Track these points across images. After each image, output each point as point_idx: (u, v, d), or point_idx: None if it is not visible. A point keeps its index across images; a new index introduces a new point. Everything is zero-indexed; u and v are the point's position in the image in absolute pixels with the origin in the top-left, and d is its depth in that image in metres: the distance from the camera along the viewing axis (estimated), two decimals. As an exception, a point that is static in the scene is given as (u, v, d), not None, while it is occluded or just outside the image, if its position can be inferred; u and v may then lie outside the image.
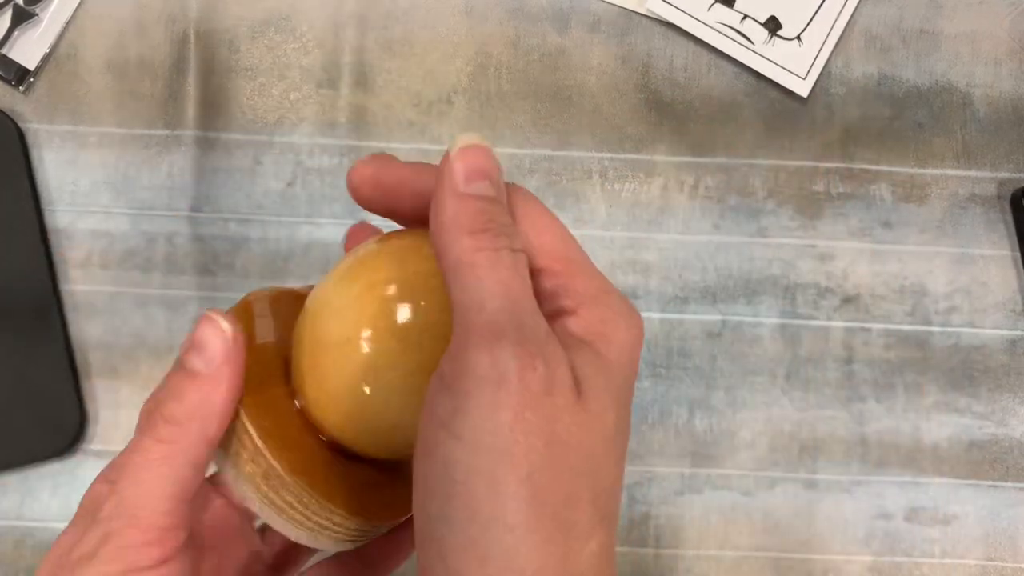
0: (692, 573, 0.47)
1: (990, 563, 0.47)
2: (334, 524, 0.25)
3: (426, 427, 0.22)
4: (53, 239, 0.47)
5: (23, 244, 0.47)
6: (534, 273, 0.24)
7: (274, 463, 0.24)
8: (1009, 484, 0.48)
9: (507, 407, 0.20)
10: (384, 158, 0.26)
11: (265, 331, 0.27)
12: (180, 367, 0.24)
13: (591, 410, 0.22)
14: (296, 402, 0.26)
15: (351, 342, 0.24)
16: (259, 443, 0.24)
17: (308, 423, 0.26)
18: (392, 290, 0.25)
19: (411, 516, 0.26)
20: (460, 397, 0.21)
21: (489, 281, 0.22)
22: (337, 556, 0.31)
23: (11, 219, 0.47)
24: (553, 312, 0.24)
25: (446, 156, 0.23)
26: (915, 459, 0.48)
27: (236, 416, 0.25)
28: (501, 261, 0.22)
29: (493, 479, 0.20)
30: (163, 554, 0.23)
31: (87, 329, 0.47)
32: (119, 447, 0.25)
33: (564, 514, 0.21)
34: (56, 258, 0.47)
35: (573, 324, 0.23)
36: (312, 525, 0.25)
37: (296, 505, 0.24)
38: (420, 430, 0.22)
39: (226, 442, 0.25)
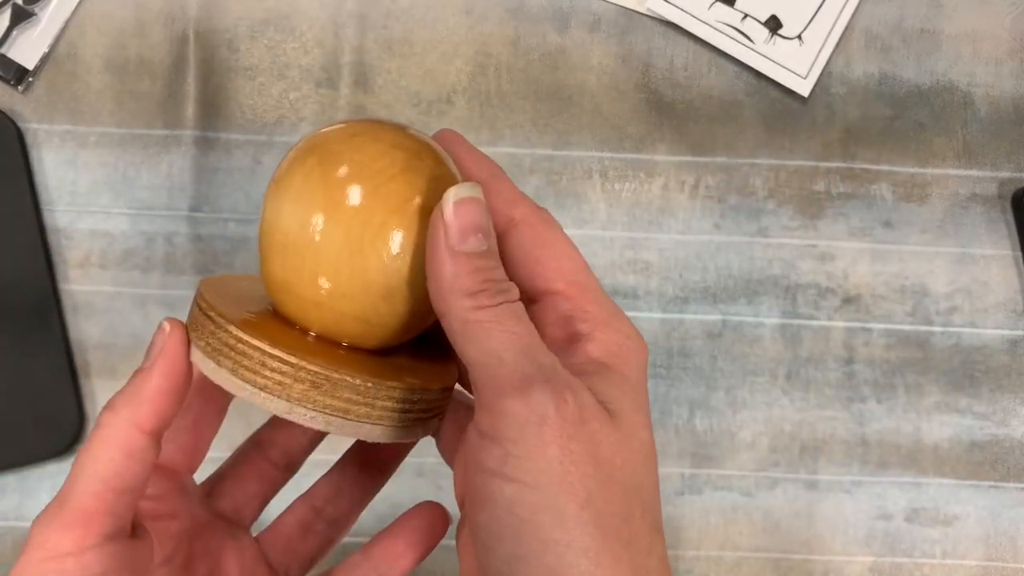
0: (692, 574, 0.47)
1: (991, 564, 0.47)
2: (277, 369, 0.24)
3: (476, 478, 0.23)
4: (52, 239, 0.47)
5: (22, 244, 0.47)
6: (552, 295, 0.26)
7: (239, 337, 0.25)
8: (1010, 485, 0.48)
9: (553, 443, 0.22)
10: (460, 136, 0.28)
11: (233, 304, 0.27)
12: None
13: (625, 429, 0.23)
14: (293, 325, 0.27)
15: (300, 229, 0.25)
16: (235, 330, 0.25)
17: (283, 321, 0.27)
18: (412, 208, 0.25)
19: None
20: (507, 444, 0.22)
21: (500, 335, 0.23)
22: (340, 470, 0.32)
23: (10, 219, 0.47)
24: (570, 335, 0.25)
25: (438, 211, 0.24)
26: (916, 460, 0.48)
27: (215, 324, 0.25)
28: (504, 314, 0.23)
29: (557, 510, 0.22)
30: (84, 540, 0.23)
31: (86, 329, 0.47)
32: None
33: (625, 531, 0.22)
34: (55, 258, 0.47)
35: (593, 348, 0.25)
36: (334, 403, 0.25)
37: (250, 353, 0.24)
38: (469, 483, 0.24)
39: (208, 340, 0.25)
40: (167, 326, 0.26)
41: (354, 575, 0.31)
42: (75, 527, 0.23)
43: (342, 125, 0.27)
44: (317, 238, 0.25)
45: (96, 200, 0.48)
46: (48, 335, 0.46)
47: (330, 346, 0.26)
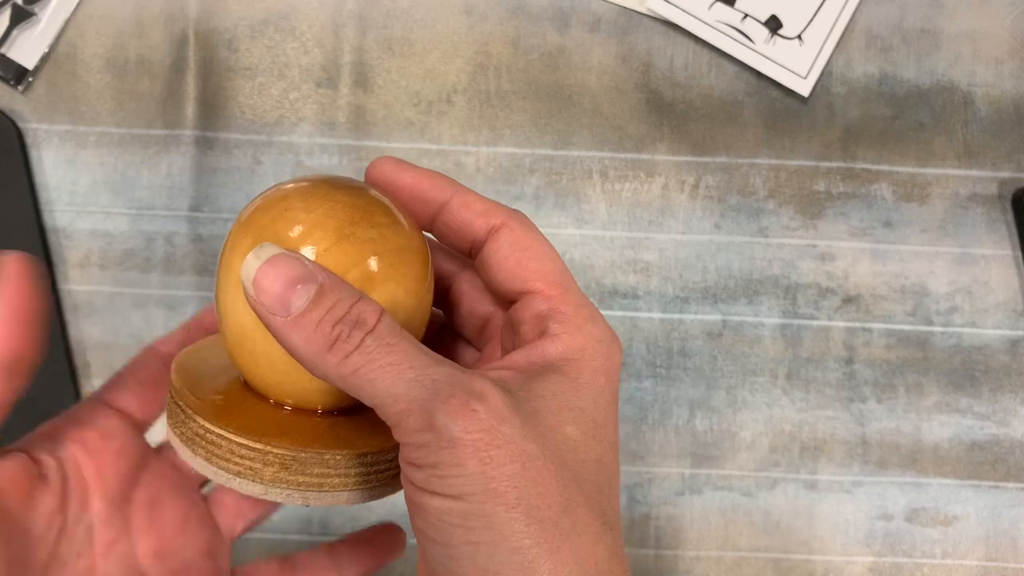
0: (692, 574, 0.47)
1: (991, 564, 0.47)
2: (246, 456, 0.25)
3: (408, 490, 0.23)
4: (52, 239, 0.47)
5: (22, 244, 0.46)
6: (531, 294, 0.26)
7: (180, 402, 0.25)
8: (1010, 485, 0.48)
9: (471, 459, 0.22)
10: (403, 162, 0.28)
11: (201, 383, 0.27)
12: None
13: (545, 423, 0.23)
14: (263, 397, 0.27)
15: (240, 302, 0.24)
16: (211, 426, 0.25)
17: (253, 392, 0.27)
18: (297, 242, 0.24)
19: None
20: (426, 468, 0.22)
21: (379, 375, 0.22)
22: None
23: (10, 219, 0.47)
24: (539, 332, 0.26)
25: (247, 293, 0.23)
26: (916, 460, 0.48)
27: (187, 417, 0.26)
28: (371, 350, 0.23)
29: (484, 515, 0.22)
30: None
31: (86, 329, 0.47)
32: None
33: (566, 522, 0.22)
34: (55, 258, 0.47)
35: (551, 348, 0.25)
36: (303, 481, 0.25)
37: (218, 442, 0.25)
38: (405, 493, 0.24)
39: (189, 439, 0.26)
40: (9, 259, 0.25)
41: (316, 565, 0.33)
42: None
43: (278, 195, 0.26)
44: (257, 322, 0.24)
45: (96, 200, 0.48)
46: (48, 335, 0.46)
47: (302, 416, 0.26)
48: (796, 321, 0.48)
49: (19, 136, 0.47)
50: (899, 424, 0.48)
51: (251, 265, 0.23)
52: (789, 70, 0.49)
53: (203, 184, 0.48)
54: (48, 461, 0.27)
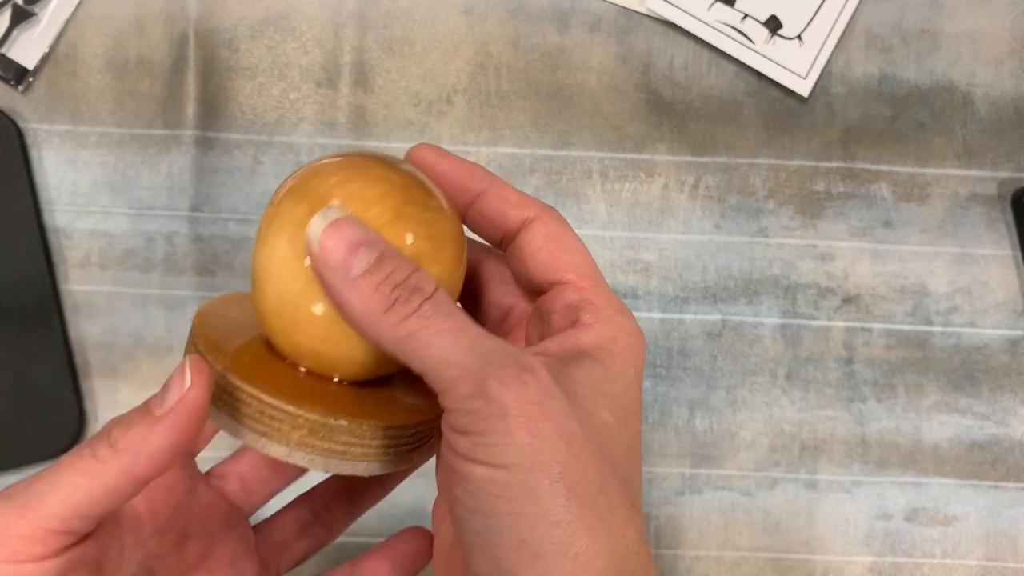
0: (692, 574, 0.47)
1: (991, 564, 0.47)
2: (276, 417, 0.25)
3: (450, 458, 0.23)
4: (52, 239, 0.47)
5: (22, 244, 0.47)
6: (563, 284, 0.27)
7: (250, 393, 0.25)
8: (1010, 485, 0.48)
9: (520, 428, 0.22)
10: (442, 150, 0.28)
11: (228, 334, 0.27)
12: (147, 404, 0.24)
13: (583, 407, 0.24)
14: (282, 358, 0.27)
15: (288, 265, 0.25)
16: (241, 384, 0.25)
17: (275, 354, 0.27)
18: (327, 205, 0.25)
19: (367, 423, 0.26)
20: (474, 436, 0.22)
21: (435, 340, 0.23)
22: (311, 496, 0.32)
23: (10, 219, 0.47)
24: (571, 321, 0.26)
25: (312, 252, 0.24)
26: (916, 459, 0.48)
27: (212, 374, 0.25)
28: (429, 315, 0.23)
29: (529, 487, 0.22)
30: (43, 552, 0.23)
31: (86, 329, 0.47)
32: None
33: (602, 501, 0.23)
34: (55, 258, 0.47)
35: (585, 336, 0.26)
36: (258, 416, 0.25)
37: (248, 401, 0.25)
38: (444, 461, 0.24)
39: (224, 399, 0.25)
40: (188, 372, 0.24)
41: None
42: (37, 544, 0.23)
43: (332, 166, 0.26)
44: (304, 286, 0.25)
45: (96, 200, 0.48)
46: (48, 335, 0.46)
47: (322, 382, 0.26)
48: (796, 321, 0.48)
49: (19, 136, 0.47)
50: (899, 424, 0.48)
51: (317, 225, 0.24)
52: (789, 70, 0.49)
53: (203, 184, 0.48)
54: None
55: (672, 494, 0.47)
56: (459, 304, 0.28)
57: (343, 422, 0.25)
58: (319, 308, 0.25)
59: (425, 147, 0.28)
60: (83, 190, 0.48)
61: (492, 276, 0.29)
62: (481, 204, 0.28)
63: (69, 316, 0.47)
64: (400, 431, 0.26)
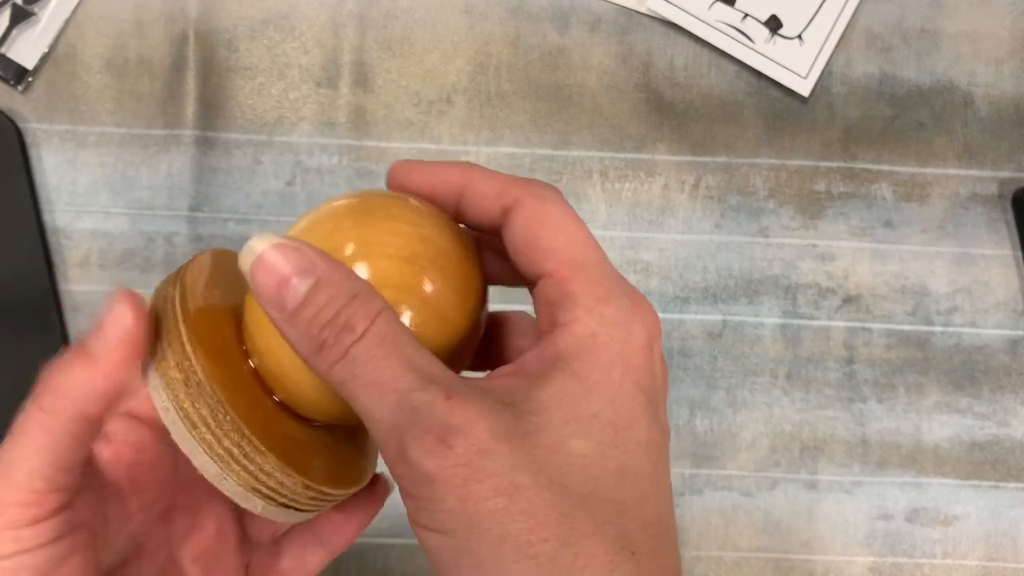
0: (692, 574, 0.47)
1: (991, 564, 0.47)
2: (245, 456, 0.23)
3: (408, 521, 0.22)
4: (52, 239, 0.47)
5: (22, 244, 0.46)
6: (545, 277, 0.24)
7: (196, 365, 0.23)
8: (1010, 485, 0.48)
9: (449, 495, 0.20)
10: (411, 163, 0.26)
11: (212, 293, 0.26)
12: (81, 343, 0.24)
13: (547, 443, 0.21)
14: (249, 360, 0.25)
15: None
16: (187, 345, 0.23)
17: (255, 375, 0.25)
18: (345, 255, 0.23)
19: (341, 497, 0.26)
20: (409, 499, 0.21)
21: (361, 393, 0.21)
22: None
23: (10, 219, 0.47)
24: (551, 323, 0.23)
25: (250, 285, 0.22)
26: (916, 460, 0.48)
27: (175, 324, 0.24)
28: (357, 363, 0.21)
29: (471, 553, 0.20)
30: (39, 514, 0.23)
31: (86, 329, 0.47)
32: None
33: (566, 555, 0.20)
34: (55, 258, 0.47)
35: (560, 341, 0.23)
36: (221, 451, 0.23)
37: (209, 421, 0.23)
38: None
39: (155, 348, 0.24)
40: (127, 312, 0.23)
41: (298, 542, 0.31)
42: (30, 507, 0.23)
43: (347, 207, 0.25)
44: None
45: (96, 200, 0.48)
46: (48, 335, 0.46)
47: (284, 414, 0.25)
48: (796, 321, 0.48)
49: (19, 136, 0.47)
50: (899, 424, 0.48)
51: (246, 258, 0.22)
52: (789, 70, 0.49)
53: (203, 184, 0.48)
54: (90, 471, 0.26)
55: (672, 495, 0.47)
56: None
57: (211, 390, 0.23)
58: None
59: (396, 165, 0.26)
60: (83, 190, 0.48)
61: (505, 272, 0.27)
62: (463, 206, 0.25)
63: (69, 316, 0.47)
64: (255, 456, 0.24)
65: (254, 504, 0.24)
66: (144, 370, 0.24)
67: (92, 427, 0.24)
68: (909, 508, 0.48)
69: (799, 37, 0.49)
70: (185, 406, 0.23)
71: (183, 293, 0.24)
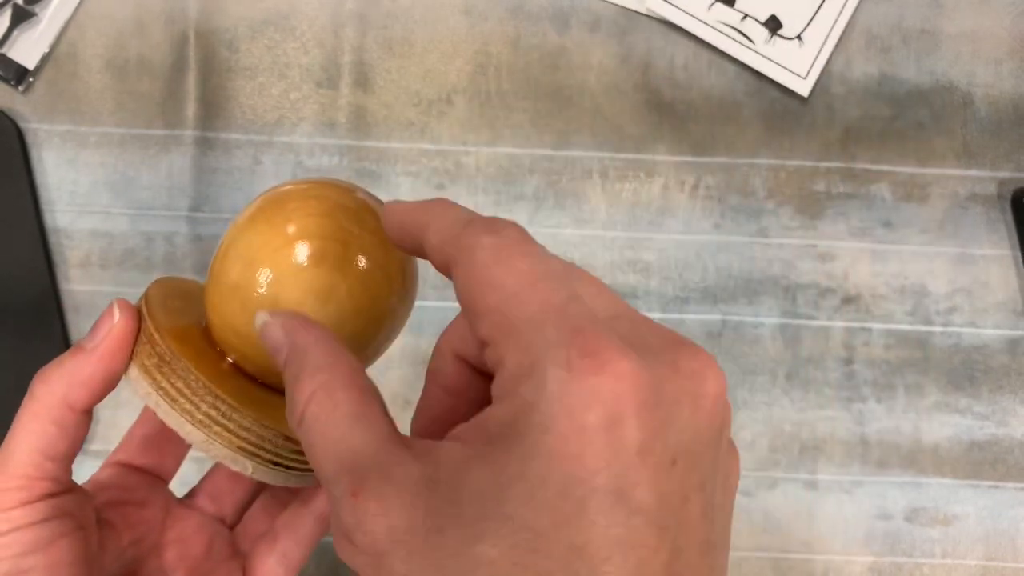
0: (692, 573, 0.47)
1: (991, 563, 0.47)
2: (223, 417, 0.25)
3: None
4: (52, 239, 0.47)
5: (22, 244, 0.47)
6: (483, 345, 0.20)
7: (164, 347, 0.26)
8: (1010, 485, 0.48)
9: (363, 570, 0.19)
10: (391, 205, 0.24)
11: (172, 303, 0.29)
12: (77, 342, 0.27)
13: (447, 547, 0.18)
14: (216, 347, 0.28)
15: (249, 284, 0.26)
16: (154, 332, 0.26)
17: (218, 347, 0.28)
18: (290, 237, 0.26)
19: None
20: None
21: (314, 441, 0.21)
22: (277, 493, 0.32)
23: (10, 219, 0.47)
24: (488, 401, 0.20)
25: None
26: (916, 459, 0.48)
27: (145, 324, 0.27)
28: (302, 435, 0.21)
29: None
30: (28, 497, 0.26)
31: (86, 329, 0.47)
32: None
33: None
34: (55, 258, 0.47)
35: (489, 420, 0.19)
36: (202, 416, 0.25)
37: (185, 391, 0.25)
38: None
39: (133, 350, 0.27)
40: (116, 311, 0.26)
41: (264, 560, 0.32)
42: (20, 491, 0.25)
43: (296, 192, 0.27)
44: (249, 306, 0.26)
45: (96, 200, 0.48)
46: (49, 335, 0.46)
47: (244, 376, 0.27)
48: (796, 321, 0.48)
49: (20, 136, 0.47)
50: (899, 424, 0.48)
51: (258, 320, 0.25)
52: (789, 70, 0.49)
53: (203, 184, 0.48)
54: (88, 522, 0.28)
55: None
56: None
57: (181, 363, 0.26)
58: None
59: (385, 207, 0.24)
60: (83, 190, 0.48)
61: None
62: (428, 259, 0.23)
63: (69, 316, 0.47)
64: (233, 415, 0.26)
65: (244, 465, 0.26)
66: (128, 372, 0.27)
67: (76, 417, 0.26)
68: (908, 508, 0.48)
69: (799, 37, 0.49)
70: (164, 385, 0.26)
71: (148, 301, 0.27)
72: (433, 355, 0.24)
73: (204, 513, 0.32)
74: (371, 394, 0.22)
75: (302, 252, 0.26)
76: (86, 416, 0.27)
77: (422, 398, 0.25)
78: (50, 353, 0.46)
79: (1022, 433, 0.48)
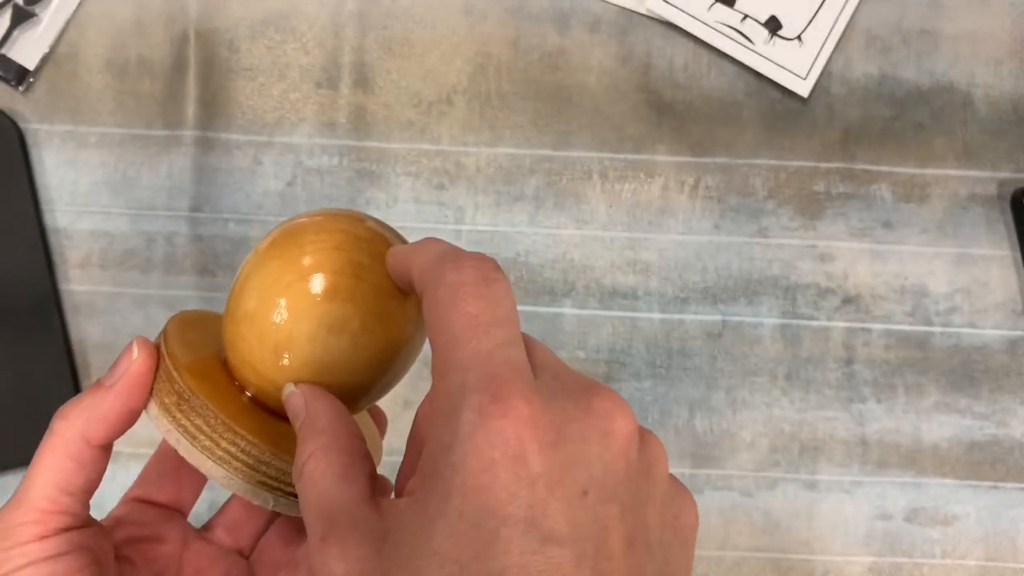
0: (692, 573, 0.47)
1: (990, 564, 0.47)
2: (242, 453, 0.26)
3: None
4: (53, 239, 0.47)
5: (23, 244, 0.47)
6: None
7: (183, 384, 0.26)
8: (1009, 485, 0.48)
9: None
10: (395, 249, 0.26)
11: (189, 338, 0.29)
12: (97, 380, 0.27)
13: None
14: (235, 382, 0.28)
15: (265, 317, 0.26)
16: (172, 370, 0.27)
17: (236, 381, 0.28)
18: (304, 271, 0.26)
19: None
20: None
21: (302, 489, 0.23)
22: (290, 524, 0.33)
23: (11, 219, 0.47)
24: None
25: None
26: (915, 460, 0.48)
27: (163, 362, 0.27)
28: (302, 480, 0.23)
29: None
30: (43, 531, 0.26)
31: (87, 329, 0.47)
32: (118, 447, 0.27)
33: None
34: (56, 258, 0.47)
35: (422, 463, 0.22)
36: (222, 453, 0.26)
37: (204, 428, 0.26)
38: None
39: (153, 388, 0.27)
40: (135, 349, 0.27)
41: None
42: (35, 525, 0.26)
43: (312, 226, 0.28)
44: (270, 339, 0.27)
45: (96, 200, 0.48)
46: (49, 335, 0.46)
47: (263, 410, 0.28)
48: (796, 321, 0.48)
49: (20, 136, 0.47)
50: (898, 424, 0.48)
51: (286, 391, 0.26)
52: (789, 71, 0.49)
53: (203, 184, 0.48)
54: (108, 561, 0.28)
55: None
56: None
57: (200, 401, 0.26)
58: (286, 359, 0.26)
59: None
60: (83, 190, 0.48)
61: None
62: None
63: (69, 316, 0.47)
64: (252, 450, 0.26)
65: (265, 499, 0.26)
66: (148, 409, 0.27)
67: (94, 453, 0.27)
68: (908, 508, 0.48)
69: (798, 38, 0.49)
70: (183, 423, 0.26)
71: (166, 338, 0.28)
72: (413, 424, 0.27)
73: (221, 546, 0.32)
74: (360, 459, 0.24)
75: (314, 286, 0.26)
76: (104, 452, 0.27)
77: (403, 459, 0.27)
78: (50, 353, 0.47)
79: (1022, 433, 0.48)
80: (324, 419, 0.25)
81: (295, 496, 0.26)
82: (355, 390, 0.27)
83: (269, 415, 0.28)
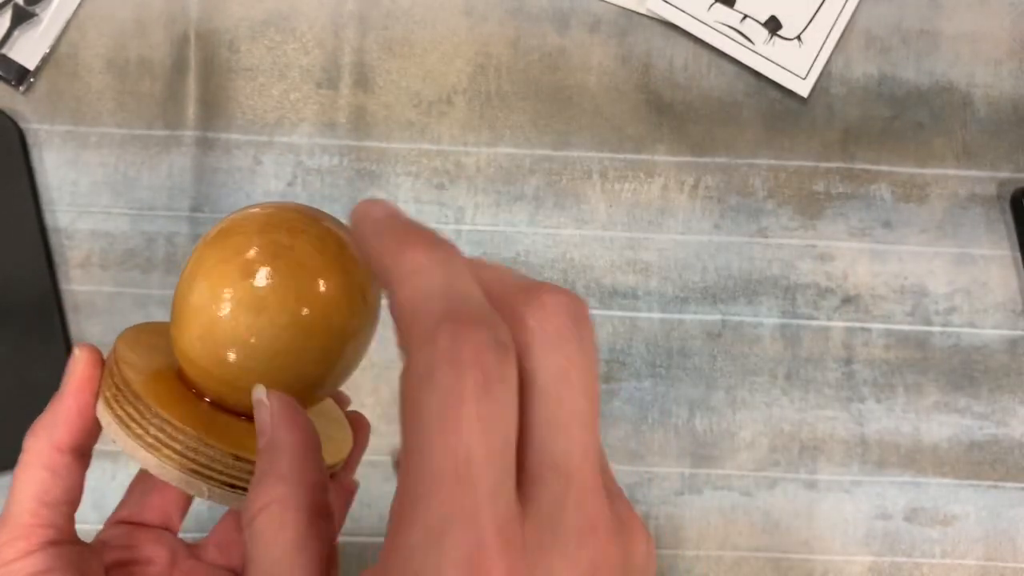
0: (692, 573, 0.47)
1: (990, 563, 0.47)
2: (171, 439, 0.26)
3: None
4: (53, 239, 0.47)
5: (23, 244, 0.47)
6: None
7: (120, 378, 0.27)
8: (1009, 485, 0.48)
9: None
10: (364, 215, 0.24)
11: (139, 342, 0.29)
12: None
13: None
14: (189, 384, 0.28)
15: (207, 308, 0.26)
16: (114, 366, 0.27)
17: (193, 388, 0.28)
18: (247, 260, 0.27)
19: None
20: None
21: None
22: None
23: (11, 219, 0.47)
24: None
25: None
26: (915, 459, 0.48)
27: (110, 360, 0.27)
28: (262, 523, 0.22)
29: None
30: (27, 547, 0.26)
31: (87, 329, 0.47)
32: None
33: None
34: (56, 258, 0.47)
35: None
36: (151, 440, 0.26)
37: (135, 415, 0.26)
38: None
39: (101, 386, 0.28)
40: (77, 352, 0.27)
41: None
42: (18, 540, 0.26)
43: (252, 219, 0.29)
44: (219, 328, 0.27)
45: (97, 200, 0.48)
46: (49, 335, 0.46)
47: (222, 413, 0.28)
48: (795, 321, 0.48)
49: (20, 136, 0.47)
50: (898, 424, 0.48)
51: (257, 394, 0.25)
52: (788, 71, 0.49)
53: (204, 184, 0.48)
54: None
55: (672, 494, 0.47)
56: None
57: (131, 391, 0.26)
58: (231, 354, 0.26)
59: (361, 204, 0.23)
60: (84, 190, 0.48)
61: None
62: None
63: (70, 316, 0.47)
64: (178, 435, 0.26)
65: (199, 489, 0.26)
66: (97, 407, 0.27)
67: (66, 459, 0.27)
68: (908, 508, 0.48)
69: (798, 38, 0.49)
70: (119, 413, 0.26)
71: (117, 340, 0.28)
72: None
73: (213, 565, 0.32)
74: (320, 519, 0.22)
75: (232, 267, 0.26)
76: (77, 460, 0.27)
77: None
78: (50, 353, 0.47)
79: (1022, 433, 0.48)
80: (287, 460, 0.22)
81: (232, 487, 0.26)
82: (298, 380, 0.26)
83: (231, 416, 0.27)
